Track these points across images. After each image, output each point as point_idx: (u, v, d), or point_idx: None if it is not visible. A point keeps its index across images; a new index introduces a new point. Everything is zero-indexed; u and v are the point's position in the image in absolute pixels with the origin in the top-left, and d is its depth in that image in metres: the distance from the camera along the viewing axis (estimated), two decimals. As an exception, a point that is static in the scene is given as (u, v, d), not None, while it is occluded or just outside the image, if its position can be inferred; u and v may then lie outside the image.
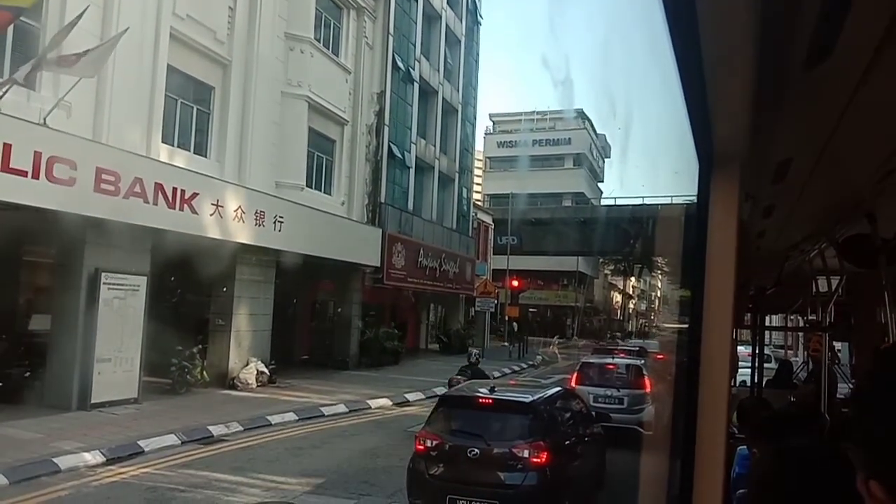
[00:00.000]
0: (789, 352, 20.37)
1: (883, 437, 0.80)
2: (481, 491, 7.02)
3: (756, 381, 7.09)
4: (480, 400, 7.90)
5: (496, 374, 23.98)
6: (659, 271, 67.98)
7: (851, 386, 7.22)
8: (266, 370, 17.45)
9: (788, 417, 3.60)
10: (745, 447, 3.70)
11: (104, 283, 12.86)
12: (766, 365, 9.04)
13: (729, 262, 1.61)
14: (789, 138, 2.00)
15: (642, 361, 14.74)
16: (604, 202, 59.47)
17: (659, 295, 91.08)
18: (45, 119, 11.46)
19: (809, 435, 3.04)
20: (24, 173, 10.76)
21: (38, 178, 10.97)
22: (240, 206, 15.99)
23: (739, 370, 8.81)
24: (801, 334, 14.58)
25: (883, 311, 4.02)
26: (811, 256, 4.77)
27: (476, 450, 7.08)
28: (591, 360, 15.00)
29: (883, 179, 2.42)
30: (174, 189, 13.94)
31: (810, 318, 6.69)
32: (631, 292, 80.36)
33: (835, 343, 8.92)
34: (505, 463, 7.07)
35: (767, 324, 8.41)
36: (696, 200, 1.67)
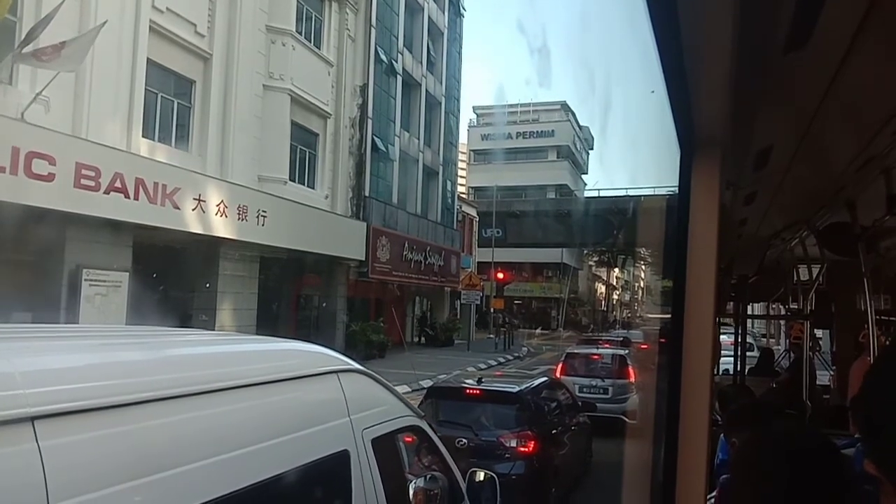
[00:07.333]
0: (771, 340, 20.59)
1: (880, 425, 0.88)
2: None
3: (739, 368, 7.16)
4: (468, 391, 7.91)
5: (482, 366, 24.11)
6: (642, 261, 68.32)
7: (832, 373, 7.31)
8: (251, 365, 17.32)
9: (761, 406, 3.64)
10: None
11: (85, 280, 12.69)
12: (748, 353, 9.12)
13: (710, 250, 1.62)
14: (770, 125, 2.01)
15: (626, 351, 14.81)
16: (587, 193, 59.73)
17: (642, 285, 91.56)
18: (22, 114, 11.30)
19: (788, 421, 3.07)
20: (2, 169, 10.63)
21: (16, 174, 10.83)
22: (222, 201, 15.85)
23: (722, 358, 8.89)
24: (783, 322, 14.73)
25: (862, 298, 4.06)
26: (792, 245, 4.81)
27: (464, 440, 7.09)
28: (576, 351, 15.05)
29: (862, 167, 2.44)
30: (155, 184, 13.78)
31: (792, 306, 6.75)
32: (615, 283, 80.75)
33: (816, 331, 9.03)
34: (493, 453, 7.10)
35: (750, 312, 8.48)
36: (677, 189, 1.67)
